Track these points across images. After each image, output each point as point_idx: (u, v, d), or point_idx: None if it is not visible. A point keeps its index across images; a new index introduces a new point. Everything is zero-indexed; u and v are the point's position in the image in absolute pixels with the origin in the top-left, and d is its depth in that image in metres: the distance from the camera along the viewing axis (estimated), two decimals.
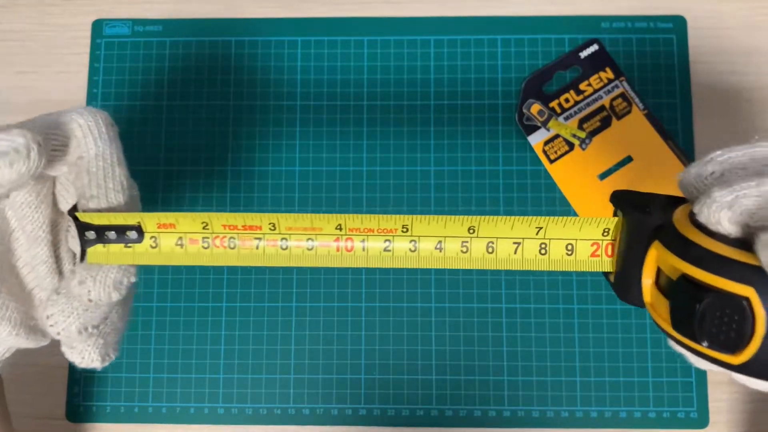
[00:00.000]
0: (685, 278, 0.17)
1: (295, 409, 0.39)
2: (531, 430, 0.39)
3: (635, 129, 0.40)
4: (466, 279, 0.40)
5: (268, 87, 0.42)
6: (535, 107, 0.40)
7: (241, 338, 0.40)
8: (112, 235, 0.22)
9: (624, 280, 0.20)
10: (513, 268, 0.22)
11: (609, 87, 0.41)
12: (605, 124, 0.40)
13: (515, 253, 0.22)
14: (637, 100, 0.41)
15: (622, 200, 0.20)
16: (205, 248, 0.22)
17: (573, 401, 0.39)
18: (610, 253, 0.21)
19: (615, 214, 0.21)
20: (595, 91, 0.41)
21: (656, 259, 0.19)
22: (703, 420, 0.38)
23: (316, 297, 0.40)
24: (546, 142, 0.40)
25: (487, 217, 0.22)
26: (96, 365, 0.24)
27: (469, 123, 0.41)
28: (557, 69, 0.41)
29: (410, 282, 0.40)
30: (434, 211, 0.41)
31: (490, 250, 0.22)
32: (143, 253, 0.23)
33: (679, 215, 0.19)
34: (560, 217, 0.21)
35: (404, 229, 0.21)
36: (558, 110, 0.41)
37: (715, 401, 0.39)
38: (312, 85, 0.42)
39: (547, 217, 0.21)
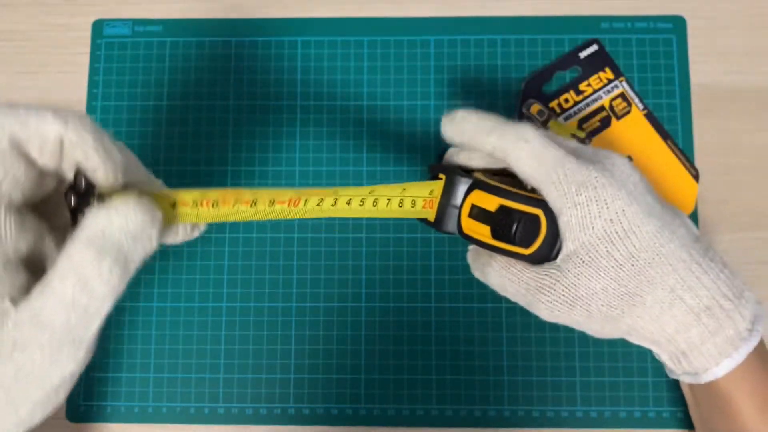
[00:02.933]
0: (502, 208, 0.28)
1: (295, 408, 0.39)
2: (531, 430, 0.39)
3: (635, 129, 0.40)
4: (466, 279, 0.40)
5: (269, 87, 0.42)
6: (535, 107, 0.40)
7: (241, 338, 0.40)
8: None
9: (442, 218, 0.30)
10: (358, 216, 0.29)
11: (609, 87, 0.41)
12: (605, 124, 0.41)
13: (386, 206, 0.29)
14: (636, 100, 0.41)
15: (442, 169, 0.30)
16: (192, 211, 0.26)
17: (573, 401, 0.39)
18: (429, 206, 0.30)
19: (435, 179, 0.30)
20: (595, 91, 0.41)
21: (473, 200, 0.29)
22: None
23: (316, 297, 0.40)
24: None
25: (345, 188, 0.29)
26: None
27: None
28: (557, 69, 0.41)
29: (410, 282, 0.40)
30: None
31: (374, 204, 0.29)
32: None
33: (479, 175, 0.30)
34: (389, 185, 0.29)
35: (334, 193, 0.29)
36: (558, 110, 0.41)
37: None
38: (312, 85, 0.42)
39: (378, 186, 0.29)
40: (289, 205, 0.28)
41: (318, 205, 0.28)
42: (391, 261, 0.40)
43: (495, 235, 0.28)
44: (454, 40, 0.42)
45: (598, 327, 0.28)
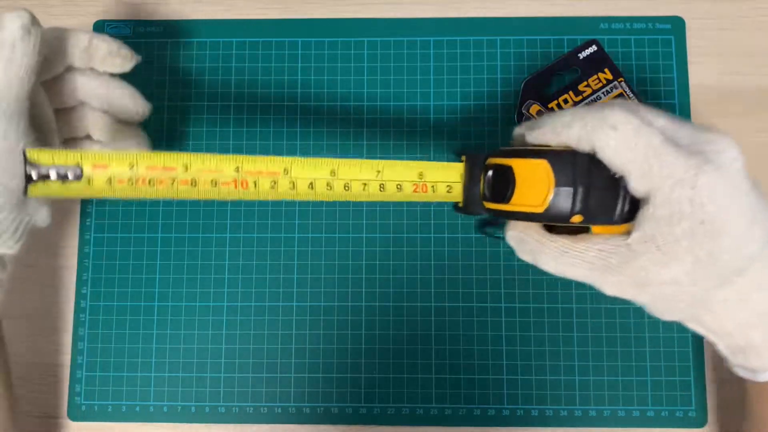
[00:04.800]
0: (496, 168, 0.27)
1: (295, 407, 0.40)
2: (530, 429, 0.39)
3: None
4: (466, 279, 0.40)
5: (269, 87, 0.42)
6: (535, 108, 0.40)
7: (241, 337, 0.40)
8: (53, 174, 0.26)
9: (469, 199, 0.28)
10: (365, 200, 0.28)
11: (608, 88, 0.41)
12: None
13: (363, 190, 0.28)
14: (635, 100, 0.41)
15: (462, 152, 0.29)
16: (131, 185, 0.26)
17: (572, 400, 0.39)
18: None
19: (460, 160, 0.29)
20: (594, 91, 0.41)
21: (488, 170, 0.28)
22: (702, 419, 0.39)
23: (316, 297, 0.40)
24: None
25: (346, 159, 0.28)
26: None
27: (468, 123, 0.42)
28: (556, 70, 0.41)
29: (410, 282, 0.40)
30: (434, 213, 0.41)
31: (346, 188, 0.28)
32: (78, 189, 0.26)
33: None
34: (400, 162, 0.28)
35: (285, 172, 0.27)
36: (557, 111, 0.41)
37: (714, 400, 0.39)
38: (312, 86, 0.42)
39: (384, 161, 0.28)
40: (236, 186, 0.27)
41: (272, 187, 0.26)
42: (391, 261, 0.40)
43: (491, 198, 0.27)
44: (454, 41, 0.42)
45: (660, 310, 0.27)
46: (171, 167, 0.26)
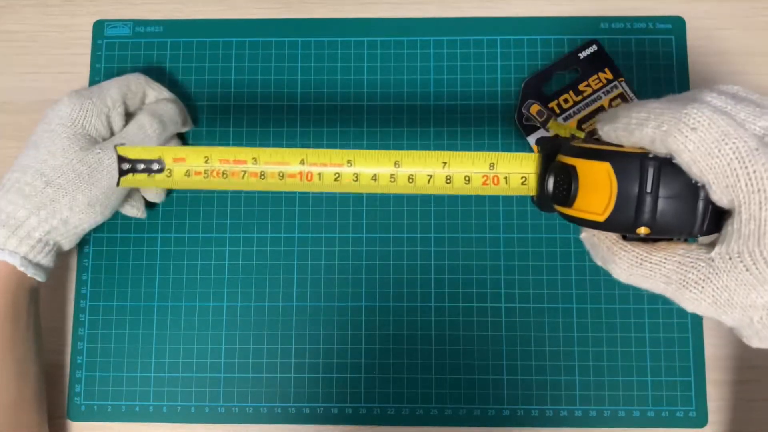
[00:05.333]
0: (561, 167, 0.25)
1: (295, 408, 0.40)
2: (530, 429, 0.39)
3: None
4: (466, 279, 0.40)
5: (269, 87, 0.42)
6: (535, 108, 0.40)
7: (241, 337, 0.40)
8: (140, 166, 0.29)
9: (539, 196, 0.26)
10: (436, 193, 0.28)
11: (608, 87, 0.41)
12: None
13: (428, 182, 0.27)
14: (636, 100, 0.41)
15: (540, 142, 0.27)
16: (205, 178, 0.28)
17: (572, 400, 0.39)
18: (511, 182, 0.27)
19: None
20: (594, 91, 0.41)
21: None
22: (702, 419, 0.39)
23: (316, 297, 0.40)
24: None
25: (410, 151, 0.27)
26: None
27: (468, 123, 0.42)
28: (556, 69, 0.41)
29: (410, 282, 0.40)
30: (434, 214, 0.41)
31: (410, 180, 0.27)
32: (161, 180, 0.29)
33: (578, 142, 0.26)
34: (467, 153, 0.27)
35: (349, 164, 0.27)
36: (557, 111, 0.41)
37: (714, 400, 0.39)
38: (312, 86, 0.42)
39: (450, 152, 0.27)
40: (301, 179, 0.27)
41: (336, 179, 0.27)
42: (391, 261, 0.40)
43: (552, 199, 0.25)
44: (454, 41, 0.42)
45: (749, 336, 0.23)
46: (241, 160, 0.28)
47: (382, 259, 0.41)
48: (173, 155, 0.29)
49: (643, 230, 0.23)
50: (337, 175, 0.27)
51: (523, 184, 0.26)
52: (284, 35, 0.43)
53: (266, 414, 0.40)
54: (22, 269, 0.34)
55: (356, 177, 0.27)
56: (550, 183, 0.25)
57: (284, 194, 0.41)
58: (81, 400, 0.40)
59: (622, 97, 0.41)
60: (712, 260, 0.22)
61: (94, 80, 0.43)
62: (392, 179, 0.27)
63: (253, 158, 0.28)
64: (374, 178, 0.27)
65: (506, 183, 0.26)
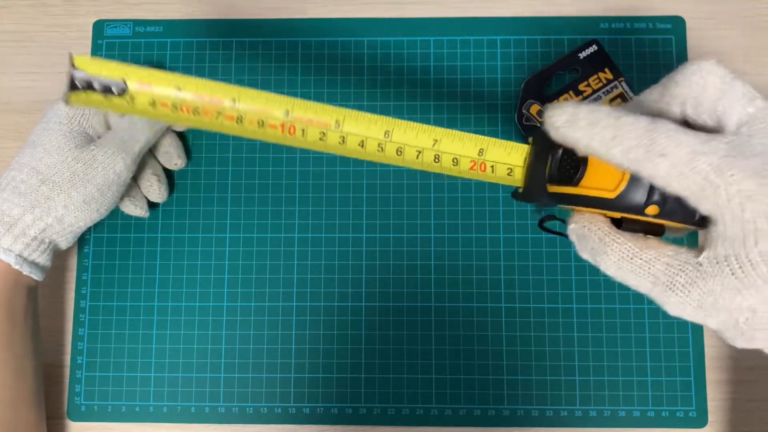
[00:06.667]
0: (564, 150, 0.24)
1: (295, 408, 0.40)
2: (530, 429, 0.39)
3: None
4: (466, 279, 0.40)
5: (269, 87, 0.42)
6: (535, 108, 0.40)
7: (241, 337, 0.40)
8: (97, 84, 0.25)
9: (532, 181, 0.25)
10: (423, 169, 0.26)
11: (608, 87, 0.41)
12: None
13: (417, 158, 0.26)
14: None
15: (532, 133, 0.27)
16: (173, 111, 0.25)
17: (572, 400, 0.39)
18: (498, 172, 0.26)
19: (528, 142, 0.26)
20: (594, 91, 0.41)
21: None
22: (702, 419, 0.39)
23: (316, 297, 0.40)
24: None
25: (402, 122, 0.26)
26: None
27: (468, 123, 0.42)
28: (556, 69, 0.41)
29: (410, 282, 0.40)
30: (434, 214, 0.41)
31: (399, 153, 0.26)
32: (120, 105, 0.25)
33: None
34: (459, 133, 0.26)
35: (337, 124, 0.25)
36: None
37: (714, 401, 0.39)
38: (312, 86, 0.42)
39: (444, 130, 0.26)
40: (283, 131, 0.25)
41: (320, 138, 0.25)
42: (391, 261, 0.40)
43: (557, 177, 0.24)
44: (454, 41, 0.42)
45: (733, 337, 0.23)
46: (218, 98, 0.25)
47: (382, 259, 0.41)
48: (139, 78, 0.25)
49: (652, 209, 0.23)
50: (322, 134, 0.25)
51: (509, 174, 0.25)
52: (284, 35, 0.43)
53: (266, 414, 0.40)
54: (17, 267, 0.34)
55: (343, 139, 0.25)
56: (552, 162, 0.24)
57: (284, 194, 0.41)
58: (81, 400, 0.40)
59: (622, 97, 0.41)
60: (700, 264, 0.22)
61: None
62: (380, 149, 0.26)
63: (233, 98, 0.25)
64: (362, 144, 0.25)
65: (492, 171, 0.26)
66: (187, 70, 0.43)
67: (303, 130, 0.25)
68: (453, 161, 0.26)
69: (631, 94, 0.41)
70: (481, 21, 0.43)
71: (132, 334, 0.40)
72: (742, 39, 0.42)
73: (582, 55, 0.41)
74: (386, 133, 0.26)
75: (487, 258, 0.40)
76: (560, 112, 0.23)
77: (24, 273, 0.34)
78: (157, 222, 0.41)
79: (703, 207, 0.22)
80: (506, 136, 0.41)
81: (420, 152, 0.26)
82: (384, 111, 0.42)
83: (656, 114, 0.24)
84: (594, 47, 0.41)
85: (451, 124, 0.41)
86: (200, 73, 0.43)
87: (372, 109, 0.42)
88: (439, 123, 0.42)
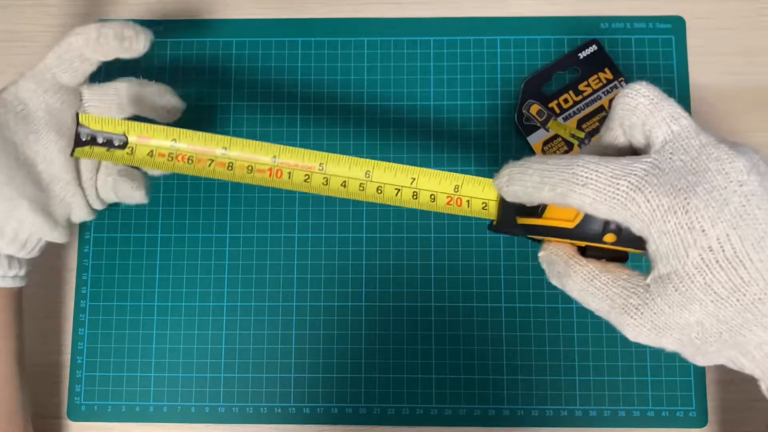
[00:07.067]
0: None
1: (295, 408, 0.40)
2: (530, 429, 0.39)
3: None
4: (466, 279, 0.40)
5: (269, 87, 0.42)
6: (535, 108, 0.40)
7: (241, 337, 0.40)
8: (100, 138, 0.27)
9: (503, 215, 0.27)
10: (398, 205, 0.28)
11: (608, 87, 0.41)
12: None
13: (396, 195, 0.28)
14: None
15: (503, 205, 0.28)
16: (169, 161, 0.28)
17: (572, 400, 0.39)
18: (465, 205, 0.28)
19: None
20: (594, 91, 0.41)
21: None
22: (702, 419, 0.39)
23: (316, 297, 0.40)
24: (545, 143, 0.40)
25: (382, 162, 0.28)
26: None
27: (468, 123, 0.42)
28: (556, 69, 0.41)
29: (410, 282, 0.40)
30: (434, 214, 0.41)
31: (379, 191, 0.28)
32: (121, 156, 0.28)
33: None
34: (436, 172, 0.28)
35: (320, 167, 0.28)
36: (557, 111, 0.41)
37: (714, 400, 0.39)
38: (312, 86, 0.42)
39: (420, 169, 0.28)
40: (270, 175, 0.27)
41: (305, 180, 0.27)
42: (391, 261, 0.40)
43: (523, 211, 0.26)
44: (454, 41, 0.42)
45: (690, 355, 0.24)
46: (210, 148, 0.27)
47: (382, 259, 0.41)
48: (138, 132, 0.27)
49: (609, 237, 0.24)
50: (307, 177, 0.27)
51: (483, 209, 0.27)
52: (284, 35, 0.43)
53: (266, 414, 0.40)
54: None
55: (326, 181, 0.27)
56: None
57: (284, 194, 0.41)
58: (81, 400, 0.40)
59: None
60: (648, 285, 0.23)
61: (93, 80, 0.43)
62: (361, 188, 0.27)
63: (224, 147, 0.27)
64: (344, 184, 0.27)
65: (468, 206, 0.27)
66: (187, 70, 0.43)
67: (289, 174, 0.27)
68: (431, 197, 0.28)
69: None
70: (481, 21, 0.43)
71: (132, 334, 0.40)
72: (742, 39, 0.42)
73: (582, 55, 0.41)
74: (366, 173, 0.27)
75: (487, 258, 0.40)
76: (500, 175, 0.25)
77: None
78: (157, 222, 0.41)
79: (635, 228, 0.22)
80: (506, 136, 0.41)
81: (399, 190, 0.28)
82: (384, 111, 0.42)
83: (613, 148, 0.25)
84: (594, 47, 0.41)
85: (451, 125, 0.41)
86: (200, 73, 0.43)
87: (372, 110, 0.42)
88: (439, 124, 0.42)
